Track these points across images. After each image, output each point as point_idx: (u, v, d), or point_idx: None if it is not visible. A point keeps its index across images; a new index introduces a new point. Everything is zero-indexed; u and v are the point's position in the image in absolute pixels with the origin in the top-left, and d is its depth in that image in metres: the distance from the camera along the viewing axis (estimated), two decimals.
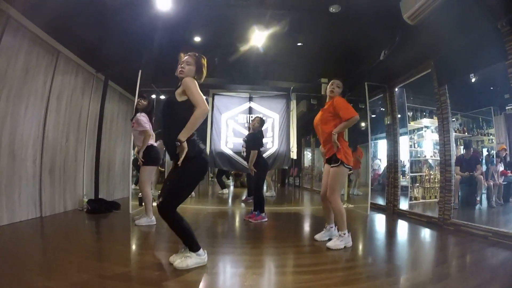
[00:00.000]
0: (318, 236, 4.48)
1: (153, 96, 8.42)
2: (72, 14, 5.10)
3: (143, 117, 5.41)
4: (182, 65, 3.20)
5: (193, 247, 3.15)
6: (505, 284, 2.96)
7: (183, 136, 2.89)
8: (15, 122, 5.05)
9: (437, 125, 6.28)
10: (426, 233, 5.42)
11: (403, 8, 4.51)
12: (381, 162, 11.56)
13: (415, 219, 6.46)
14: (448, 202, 5.74)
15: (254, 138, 6.09)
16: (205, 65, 3.35)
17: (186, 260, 3.09)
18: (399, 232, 5.82)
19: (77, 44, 6.20)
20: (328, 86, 4.49)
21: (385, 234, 5.57)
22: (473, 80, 5.82)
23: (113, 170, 8.55)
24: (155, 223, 5.37)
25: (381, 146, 10.48)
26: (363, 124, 8.65)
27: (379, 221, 6.60)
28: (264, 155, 7.63)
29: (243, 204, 8.45)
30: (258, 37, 6.16)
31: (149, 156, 5.37)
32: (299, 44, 6.68)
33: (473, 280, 3.01)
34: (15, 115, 5.04)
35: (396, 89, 7.57)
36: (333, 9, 5.21)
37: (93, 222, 5.65)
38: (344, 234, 4.12)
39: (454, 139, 6.56)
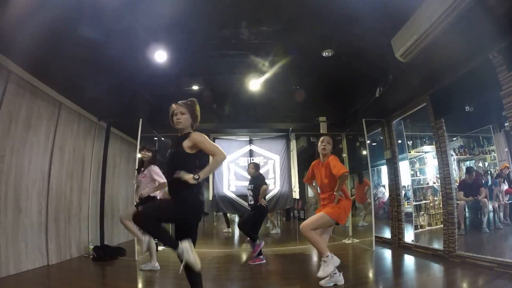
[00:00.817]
0: (323, 282, 4.37)
1: (155, 138, 8.61)
2: (73, 67, 5.28)
3: (158, 169, 5.62)
4: (177, 116, 3.26)
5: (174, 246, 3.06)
6: None
7: (202, 174, 3.04)
8: (20, 175, 5.19)
9: None
10: (432, 268, 5.39)
11: (394, 47, 4.58)
12: (386, 189, 11.50)
13: (421, 253, 6.45)
14: (452, 234, 5.77)
15: (259, 178, 6.43)
16: (198, 108, 3.42)
17: None
18: (405, 269, 5.86)
19: (78, 95, 6.40)
20: (319, 144, 4.63)
21: (392, 273, 5.54)
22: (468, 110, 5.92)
23: (117, 214, 8.56)
24: (159, 268, 5.51)
25: (385, 172, 10.43)
26: (364, 153, 8.74)
27: (385, 258, 6.62)
28: (267, 196, 7.68)
29: (249, 245, 8.45)
30: (255, 83, 6.34)
31: None
32: (295, 87, 6.88)
33: None
34: (19, 169, 5.17)
35: (394, 122, 7.70)
36: (326, 53, 5.39)
37: (99, 271, 5.71)
38: (327, 256, 4.19)
39: (456, 164, 6.55)
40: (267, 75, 6.07)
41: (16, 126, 5.11)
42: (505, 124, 7.49)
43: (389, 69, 5.70)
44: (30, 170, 5.43)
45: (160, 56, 5.31)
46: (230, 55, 5.39)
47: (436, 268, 5.35)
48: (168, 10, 4.17)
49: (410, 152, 8.32)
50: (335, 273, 4.21)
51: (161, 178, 5.45)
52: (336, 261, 4.21)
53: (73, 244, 6.59)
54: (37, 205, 5.60)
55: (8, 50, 4.59)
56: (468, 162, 8.45)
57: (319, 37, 5.03)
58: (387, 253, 6.89)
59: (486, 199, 7.21)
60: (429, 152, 8.83)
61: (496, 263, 4.72)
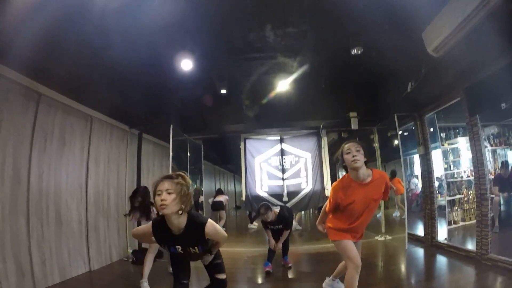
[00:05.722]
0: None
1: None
2: (101, 81, 5.41)
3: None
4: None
5: None
6: None
7: None
8: (59, 190, 5.45)
9: None
10: (463, 272, 5.37)
11: (426, 41, 4.42)
12: (418, 180, 11.27)
13: (454, 253, 6.36)
14: (485, 236, 5.65)
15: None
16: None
17: None
18: (437, 272, 5.78)
19: (108, 106, 6.53)
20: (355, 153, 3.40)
21: (423, 276, 5.51)
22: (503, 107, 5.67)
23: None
24: None
25: (417, 161, 10.15)
26: (396, 142, 8.57)
27: (417, 258, 6.61)
28: (299, 195, 7.68)
29: None
30: (283, 83, 6.29)
31: None
32: (324, 85, 6.76)
33: None
34: (58, 185, 5.43)
35: (427, 116, 7.51)
36: (355, 51, 5.19)
37: (138, 274, 5.65)
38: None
39: (491, 154, 6.33)
40: (295, 75, 6.00)
41: (51, 144, 5.31)
42: None
43: (421, 64, 5.52)
44: (68, 184, 5.67)
45: (186, 64, 5.28)
46: (257, 58, 5.35)
47: (467, 272, 5.31)
48: (193, 18, 4.25)
49: (443, 145, 8.02)
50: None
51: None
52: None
53: (113, 249, 6.87)
54: (77, 216, 5.86)
55: (35, 73, 4.74)
56: (503, 152, 7.99)
57: (347, 35, 4.91)
58: (420, 253, 6.86)
59: None
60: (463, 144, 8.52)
61: None
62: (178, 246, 2.76)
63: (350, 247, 3.52)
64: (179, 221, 2.67)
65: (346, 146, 3.44)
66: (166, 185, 2.62)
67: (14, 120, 4.63)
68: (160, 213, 2.68)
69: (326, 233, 3.79)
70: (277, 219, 5.64)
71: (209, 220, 2.76)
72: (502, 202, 6.71)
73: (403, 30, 4.55)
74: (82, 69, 4.86)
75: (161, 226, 2.73)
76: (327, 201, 3.69)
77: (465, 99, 5.94)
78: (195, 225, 2.69)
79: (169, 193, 2.58)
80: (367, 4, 4.12)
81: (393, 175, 10.25)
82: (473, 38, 3.97)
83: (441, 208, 7.40)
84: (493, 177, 6.38)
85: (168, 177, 2.69)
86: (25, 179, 4.78)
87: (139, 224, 5.25)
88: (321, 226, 3.90)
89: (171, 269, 4.34)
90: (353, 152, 3.34)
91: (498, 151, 6.96)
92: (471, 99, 5.83)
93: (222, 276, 3.09)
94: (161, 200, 2.55)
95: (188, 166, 8.89)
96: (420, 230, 7.96)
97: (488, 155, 6.22)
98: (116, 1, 3.69)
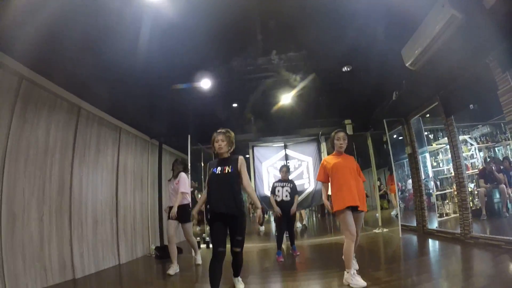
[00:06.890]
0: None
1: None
2: (129, 99, 6.37)
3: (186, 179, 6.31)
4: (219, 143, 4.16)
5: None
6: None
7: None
8: (95, 194, 6.33)
9: (461, 139, 6.83)
10: (448, 249, 6.09)
11: (404, 57, 5.02)
12: None
13: (442, 237, 7.07)
14: (466, 219, 6.37)
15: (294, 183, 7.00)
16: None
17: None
18: (426, 250, 6.59)
19: (134, 119, 7.50)
20: (342, 141, 4.75)
21: (415, 253, 6.41)
22: (471, 108, 6.33)
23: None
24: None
25: None
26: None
27: (410, 243, 7.27)
28: (303, 194, 8.53)
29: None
30: (286, 96, 7.16)
31: (188, 214, 6.17)
32: (322, 97, 7.55)
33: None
34: (94, 189, 6.30)
35: (413, 120, 8.28)
36: (346, 68, 6.10)
37: (160, 267, 6.64)
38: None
39: (478, 152, 7.04)
40: (296, 89, 6.78)
41: (89, 152, 6.21)
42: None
43: (402, 76, 6.23)
44: (102, 187, 6.56)
45: (205, 83, 6.15)
46: (264, 77, 6.14)
47: (452, 248, 6.05)
48: (210, 47, 5.05)
49: (432, 145, 8.75)
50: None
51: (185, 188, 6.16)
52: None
53: (138, 246, 7.74)
54: (110, 216, 6.72)
55: (78, 90, 5.65)
56: (493, 149, 8.17)
57: (338, 56, 5.66)
58: (412, 239, 7.57)
59: (504, 185, 7.18)
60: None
61: (504, 242, 5.30)
62: (219, 167, 4.09)
63: (348, 218, 4.44)
64: (226, 156, 4.22)
65: (338, 134, 4.81)
66: (220, 136, 4.17)
67: (59, 131, 5.46)
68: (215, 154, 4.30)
69: (333, 212, 4.64)
70: (288, 179, 6.93)
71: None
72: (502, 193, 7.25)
73: (385, 49, 5.20)
74: (116, 88, 5.76)
75: (214, 160, 4.32)
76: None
77: (441, 104, 6.82)
78: (234, 156, 4.25)
79: (222, 141, 4.15)
80: (354, 29, 4.71)
81: (390, 171, 10.92)
82: (442, 53, 4.59)
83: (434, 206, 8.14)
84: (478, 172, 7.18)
85: (221, 132, 4.24)
86: (68, 182, 5.61)
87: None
88: (326, 201, 4.86)
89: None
90: (341, 140, 4.76)
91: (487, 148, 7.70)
92: (445, 103, 6.71)
93: (237, 249, 4.12)
94: (219, 145, 4.13)
95: (202, 171, 9.82)
96: (414, 222, 8.65)
97: (477, 153, 7.13)
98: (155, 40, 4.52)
